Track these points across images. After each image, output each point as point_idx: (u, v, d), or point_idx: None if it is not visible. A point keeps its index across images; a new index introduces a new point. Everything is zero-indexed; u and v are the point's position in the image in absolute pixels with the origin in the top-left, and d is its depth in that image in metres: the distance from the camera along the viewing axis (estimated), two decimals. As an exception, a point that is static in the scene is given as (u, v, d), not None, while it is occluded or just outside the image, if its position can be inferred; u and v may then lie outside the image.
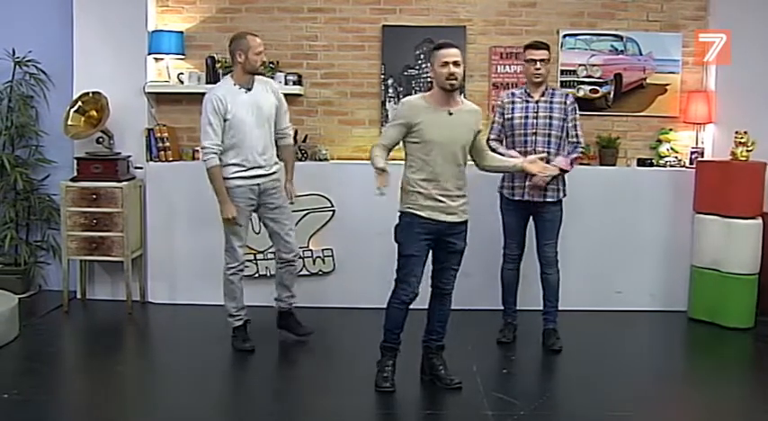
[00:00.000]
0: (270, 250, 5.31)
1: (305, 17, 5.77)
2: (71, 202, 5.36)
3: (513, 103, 4.72)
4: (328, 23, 5.78)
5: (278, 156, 4.75)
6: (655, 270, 5.61)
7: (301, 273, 5.50)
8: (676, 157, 5.68)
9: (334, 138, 5.83)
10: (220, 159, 4.50)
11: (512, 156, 4.46)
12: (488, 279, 5.17)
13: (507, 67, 5.77)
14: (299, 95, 5.74)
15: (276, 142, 4.72)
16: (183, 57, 5.69)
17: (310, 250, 5.57)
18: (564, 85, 5.69)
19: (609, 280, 5.60)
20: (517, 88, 4.86)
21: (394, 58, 5.75)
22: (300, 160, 5.45)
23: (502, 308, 4.95)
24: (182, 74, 5.67)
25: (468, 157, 4.06)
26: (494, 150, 4.48)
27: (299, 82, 5.70)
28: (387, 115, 5.72)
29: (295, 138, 5.14)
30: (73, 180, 5.43)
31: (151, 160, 5.62)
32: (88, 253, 5.41)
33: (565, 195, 4.76)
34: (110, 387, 4.20)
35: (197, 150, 5.49)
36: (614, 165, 5.69)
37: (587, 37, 5.76)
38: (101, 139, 5.49)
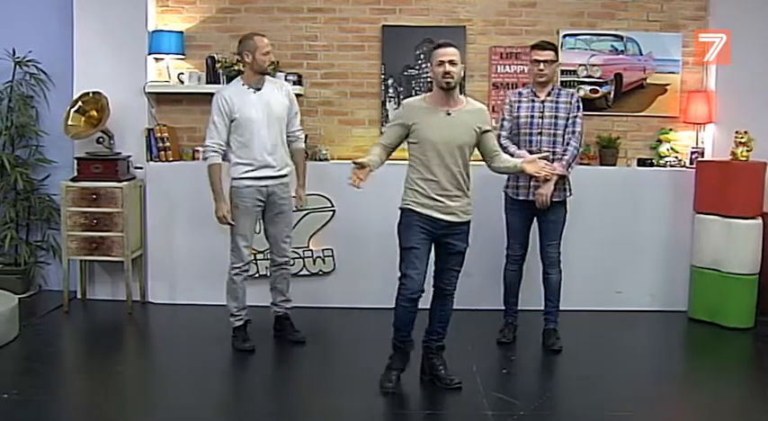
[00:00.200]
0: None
1: (305, 17, 5.77)
2: (71, 202, 5.36)
3: (519, 102, 4.72)
4: (328, 23, 5.78)
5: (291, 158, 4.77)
6: (655, 270, 5.61)
7: (301, 273, 5.51)
8: (676, 157, 5.67)
9: (334, 138, 5.83)
10: (230, 160, 4.55)
11: (521, 156, 4.38)
12: (489, 279, 5.18)
13: (507, 67, 5.76)
14: (299, 95, 5.71)
15: (288, 145, 4.74)
16: (183, 57, 5.70)
17: (310, 250, 5.57)
18: (564, 84, 5.66)
19: (609, 280, 5.60)
20: (524, 87, 4.86)
21: (394, 58, 5.75)
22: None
23: (503, 308, 4.95)
24: (182, 74, 5.67)
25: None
26: (504, 148, 4.46)
27: (299, 82, 5.70)
28: (387, 115, 5.72)
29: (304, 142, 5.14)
30: (73, 180, 5.43)
31: (151, 160, 5.62)
32: (88, 253, 5.41)
33: (570, 194, 4.75)
34: (110, 387, 4.20)
35: (197, 150, 5.50)
36: (614, 165, 5.69)
37: (587, 37, 5.76)
38: (101, 139, 5.49)
